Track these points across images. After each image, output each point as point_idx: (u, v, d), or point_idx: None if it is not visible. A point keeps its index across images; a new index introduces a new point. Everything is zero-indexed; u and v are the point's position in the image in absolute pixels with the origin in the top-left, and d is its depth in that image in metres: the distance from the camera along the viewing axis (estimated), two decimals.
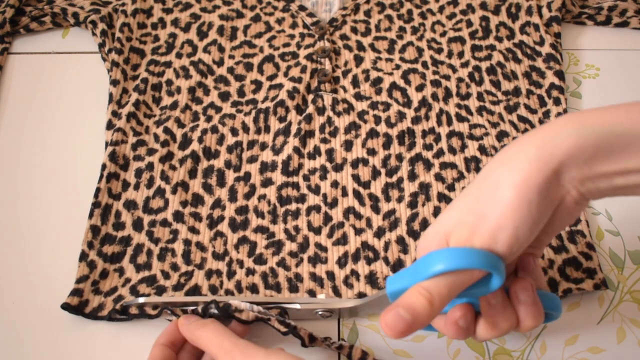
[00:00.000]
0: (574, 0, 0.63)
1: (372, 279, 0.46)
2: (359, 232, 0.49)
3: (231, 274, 0.47)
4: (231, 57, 0.59)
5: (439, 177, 0.51)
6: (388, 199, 0.50)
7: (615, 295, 0.47)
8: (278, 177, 0.51)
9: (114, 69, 0.56)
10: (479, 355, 0.44)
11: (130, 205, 0.49)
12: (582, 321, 0.46)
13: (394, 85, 0.57)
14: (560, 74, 0.57)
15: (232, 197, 0.50)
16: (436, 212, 0.49)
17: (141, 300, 0.43)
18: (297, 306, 0.43)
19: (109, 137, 0.53)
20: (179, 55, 0.59)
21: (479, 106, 0.56)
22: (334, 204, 0.50)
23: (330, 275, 0.47)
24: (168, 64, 0.58)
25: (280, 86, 0.56)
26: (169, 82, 0.57)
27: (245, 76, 0.58)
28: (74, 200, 0.51)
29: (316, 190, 0.51)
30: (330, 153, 0.53)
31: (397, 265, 0.47)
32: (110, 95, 0.55)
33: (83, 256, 0.47)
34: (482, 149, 0.53)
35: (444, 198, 0.50)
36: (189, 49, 0.59)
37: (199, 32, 0.60)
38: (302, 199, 0.50)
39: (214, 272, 0.47)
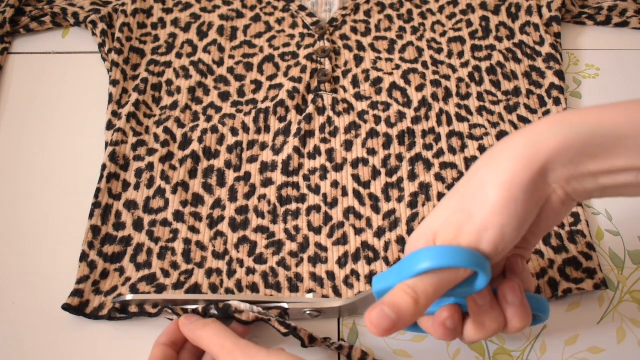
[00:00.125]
0: (574, 0, 0.63)
1: (372, 279, 0.46)
2: (359, 232, 0.49)
3: (231, 273, 0.47)
4: (231, 57, 0.59)
5: (439, 177, 0.51)
6: (388, 199, 0.50)
7: (615, 295, 0.47)
8: (278, 177, 0.51)
9: (113, 69, 0.56)
10: (479, 355, 0.44)
11: (131, 205, 0.49)
12: (582, 321, 0.46)
13: (394, 85, 0.57)
14: (560, 74, 0.57)
15: (232, 197, 0.50)
16: None
17: (129, 297, 0.43)
18: (285, 305, 0.42)
19: (109, 137, 0.53)
20: (179, 55, 0.59)
21: (479, 106, 0.56)
22: (334, 203, 0.50)
23: (331, 275, 0.47)
24: (168, 64, 0.58)
25: (280, 86, 0.56)
26: (169, 82, 0.57)
27: (245, 76, 0.58)
28: (74, 200, 0.51)
29: (316, 190, 0.51)
30: (330, 153, 0.53)
31: None
32: (110, 95, 0.55)
33: (83, 256, 0.47)
34: (482, 149, 0.53)
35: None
36: (189, 49, 0.59)
37: (199, 32, 0.60)
38: (302, 199, 0.50)
39: (214, 270, 0.47)
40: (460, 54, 0.60)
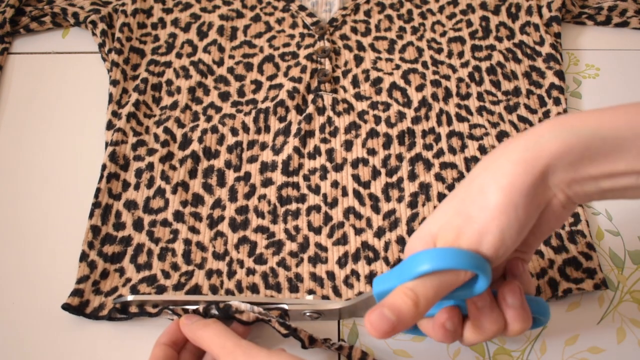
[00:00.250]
0: (574, 0, 0.63)
1: (372, 279, 0.46)
2: (359, 232, 0.49)
3: (231, 274, 0.47)
4: (231, 57, 0.59)
5: (439, 177, 0.51)
6: (388, 199, 0.50)
7: (615, 295, 0.47)
8: (278, 177, 0.51)
9: (113, 69, 0.56)
10: (479, 355, 0.44)
11: (131, 205, 0.49)
12: (582, 321, 0.46)
13: (394, 85, 0.57)
14: (560, 74, 0.57)
15: (232, 197, 0.50)
16: None
17: (130, 298, 0.43)
18: (285, 307, 0.42)
19: (109, 137, 0.53)
20: (179, 55, 0.59)
21: (479, 106, 0.56)
22: (334, 203, 0.50)
23: (331, 275, 0.47)
24: (168, 64, 0.58)
25: (280, 86, 0.56)
26: (169, 82, 0.57)
27: (245, 76, 0.58)
28: (74, 200, 0.51)
29: (316, 190, 0.51)
30: (330, 153, 0.53)
31: None
32: (110, 95, 0.55)
33: (83, 256, 0.47)
34: (482, 149, 0.53)
35: (444, 198, 0.50)
36: (189, 49, 0.59)
37: (199, 32, 0.60)
38: (302, 199, 0.50)
39: (214, 271, 0.47)
40: (460, 54, 0.60)
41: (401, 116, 0.55)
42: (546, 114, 0.55)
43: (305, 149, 0.53)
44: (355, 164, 0.52)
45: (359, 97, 0.56)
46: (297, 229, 0.49)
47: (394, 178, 0.51)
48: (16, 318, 0.45)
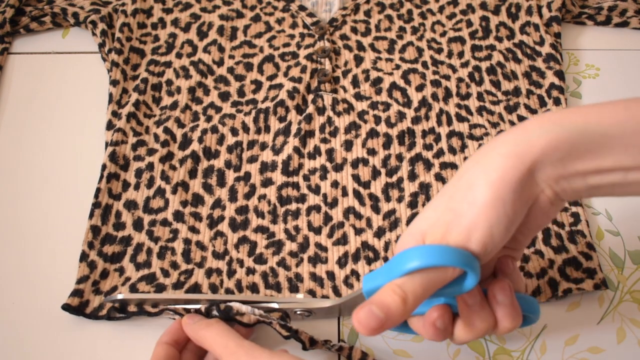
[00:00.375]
0: (574, 0, 0.63)
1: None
2: (359, 232, 0.49)
3: (231, 273, 0.47)
4: (231, 57, 0.59)
5: (439, 177, 0.51)
6: (388, 199, 0.50)
7: (615, 295, 0.47)
8: (278, 177, 0.51)
9: (113, 69, 0.56)
10: (479, 355, 0.44)
11: (131, 205, 0.49)
12: (582, 321, 0.46)
13: (394, 85, 0.57)
14: (560, 74, 0.57)
15: (232, 197, 0.50)
16: None
17: (120, 296, 0.42)
18: (275, 305, 0.42)
19: (109, 138, 0.53)
20: (179, 55, 0.59)
21: (479, 106, 0.56)
22: (334, 203, 0.50)
23: (331, 275, 0.47)
24: (168, 64, 0.58)
25: (280, 86, 0.56)
26: (169, 82, 0.57)
27: (245, 76, 0.58)
28: (74, 200, 0.51)
29: (316, 190, 0.51)
30: (330, 153, 0.53)
31: None
32: (110, 95, 0.55)
33: (83, 256, 0.47)
34: None
35: None
36: (189, 49, 0.59)
37: (199, 32, 0.60)
38: (302, 198, 0.50)
39: (214, 270, 0.47)
40: (460, 54, 0.60)
41: (401, 116, 0.55)
42: None
43: (305, 149, 0.53)
44: (355, 164, 0.52)
45: (359, 97, 0.56)
46: (297, 229, 0.49)
47: (394, 178, 0.51)
48: (16, 318, 0.45)
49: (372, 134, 0.54)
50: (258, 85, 0.57)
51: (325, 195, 0.50)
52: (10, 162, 0.53)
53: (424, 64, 0.59)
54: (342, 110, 0.55)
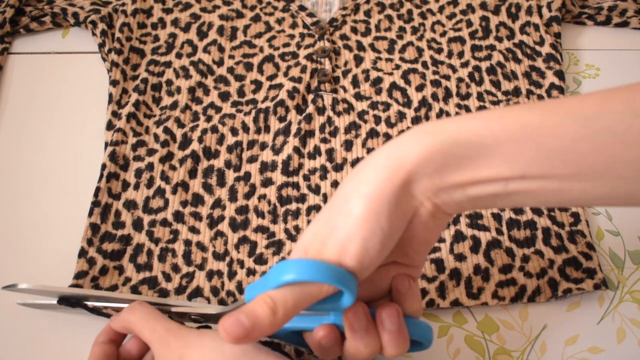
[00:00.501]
0: (574, 0, 0.63)
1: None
2: None
3: (232, 275, 0.47)
4: (231, 57, 0.59)
5: None
6: None
7: (615, 295, 0.47)
8: (278, 177, 0.51)
9: (113, 69, 0.56)
10: (479, 355, 0.44)
11: (130, 205, 0.49)
12: (582, 321, 0.46)
13: (394, 85, 0.57)
14: (560, 74, 0.57)
15: (232, 197, 0.50)
16: None
17: (23, 286, 0.41)
18: (172, 309, 0.41)
19: (109, 138, 0.53)
20: (179, 55, 0.58)
21: (479, 106, 0.56)
22: None
23: None
24: (168, 64, 0.58)
25: (280, 86, 0.56)
26: (169, 82, 0.57)
27: (245, 76, 0.58)
28: (74, 200, 0.51)
29: (316, 190, 0.51)
30: (330, 153, 0.53)
31: None
32: (110, 95, 0.55)
33: (82, 253, 0.47)
34: None
35: None
36: (189, 49, 0.59)
37: (199, 32, 0.60)
38: (302, 198, 0.50)
39: (215, 273, 0.47)
40: (460, 54, 0.60)
41: (401, 116, 0.55)
42: None
43: (305, 148, 0.53)
44: (355, 164, 0.52)
45: (359, 97, 0.56)
46: (297, 229, 0.49)
47: None
48: (17, 318, 0.45)
49: (372, 134, 0.54)
50: (258, 85, 0.57)
51: (325, 195, 0.50)
52: (10, 162, 0.53)
53: (424, 64, 0.59)
54: (342, 110, 0.55)
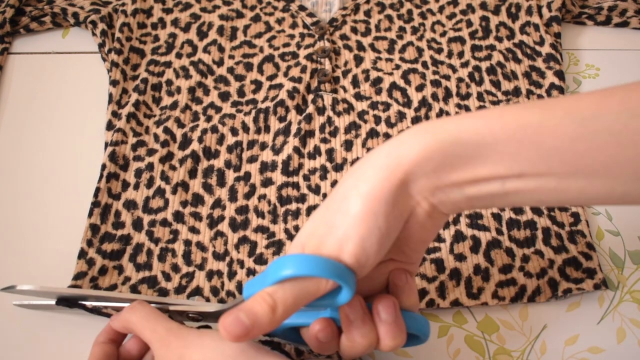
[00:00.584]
0: (574, 0, 0.63)
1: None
2: None
3: (232, 275, 0.47)
4: (231, 57, 0.59)
5: None
6: None
7: (615, 295, 0.47)
8: (278, 177, 0.51)
9: (113, 69, 0.56)
10: (479, 355, 0.44)
11: (130, 205, 0.49)
12: (582, 321, 0.46)
13: (394, 85, 0.57)
14: (560, 74, 0.57)
15: (232, 197, 0.50)
16: None
17: (25, 287, 0.41)
18: (169, 307, 0.41)
19: (109, 138, 0.53)
20: (179, 55, 0.58)
21: (479, 106, 0.56)
22: None
23: None
24: (168, 64, 0.58)
25: (280, 86, 0.56)
26: (169, 82, 0.57)
27: (245, 76, 0.58)
28: (74, 200, 0.51)
29: (316, 190, 0.51)
30: (330, 153, 0.53)
31: None
32: (110, 95, 0.55)
33: (82, 254, 0.47)
34: None
35: None
36: (189, 49, 0.59)
37: (199, 32, 0.60)
38: (302, 198, 0.50)
39: (214, 272, 0.47)
40: (460, 54, 0.60)
41: (401, 116, 0.55)
42: None
43: (305, 148, 0.53)
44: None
45: (359, 97, 0.56)
46: (297, 229, 0.49)
47: None
48: (15, 319, 0.45)
49: (372, 134, 0.54)
50: (258, 85, 0.57)
51: (325, 195, 0.50)
52: (10, 162, 0.53)
53: (424, 64, 0.59)
54: (342, 110, 0.55)
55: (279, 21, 0.62)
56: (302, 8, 0.62)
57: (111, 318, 0.41)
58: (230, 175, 0.51)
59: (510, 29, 0.61)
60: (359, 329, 0.34)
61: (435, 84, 0.57)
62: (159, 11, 0.62)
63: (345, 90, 0.57)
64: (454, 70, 0.58)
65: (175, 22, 0.61)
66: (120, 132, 0.52)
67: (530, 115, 0.30)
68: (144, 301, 0.40)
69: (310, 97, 0.56)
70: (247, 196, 0.50)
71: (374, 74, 0.58)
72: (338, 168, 0.52)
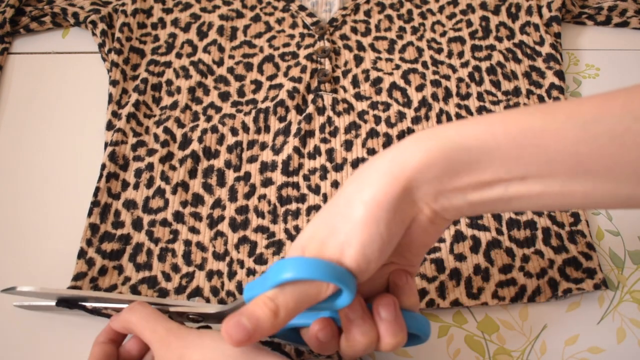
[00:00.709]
0: (574, 0, 0.63)
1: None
2: None
3: (232, 275, 0.47)
4: (231, 57, 0.59)
5: None
6: None
7: (615, 295, 0.47)
8: (278, 177, 0.51)
9: (113, 69, 0.56)
10: (479, 355, 0.44)
11: (130, 204, 0.49)
12: (582, 321, 0.46)
13: (394, 85, 0.57)
14: (560, 74, 0.57)
15: (232, 196, 0.50)
16: None
17: (25, 289, 0.41)
18: (169, 308, 0.41)
19: (108, 138, 0.53)
20: (179, 55, 0.58)
21: (479, 106, 0.56)
22: None
23: None
24: (168, 64, 0.58)
25: (280, 86, 0.56)
26: (169, 82, 0.57)
27: (245, 76, 0.58)
28: (74, 200, 0.51)
29: (316, 190, 0.51)
30: (330, 153, 0.53)
31: None
32: (110, 95, 0.55)
33: (81, 254, 0.47)
34: None
35: None
36: (189, 49, 0.59)
37: (199, 32, 0.60)
38: (302, 198, 0.50)
39: (214, 272, 0.47)
40: (460, 54, 0.60)
41: (401, 116, 0.55)
42: None
43: (305, 148, 0.53)
44: (355, 164, 0.52)
45: (359, 97, 0.56)
46: (297, 229, 0.49)
47: None
48: (14, 320, 0.45)
49: (372, 134, 0.54)
50: (258, 85, 0.57)
51: (325, 195, 0.50)
52: (10, 162, 0.53)
53: (424, 64, 0.59)
54: (342, 110, 0.55)
55: (279, 21, 0.62)
56: (302, 8, 0.62)
57: (111, 318, 0.41)
58: (230, 175, 0.51)
59: (510, 29, 0.61)
60: (359, 328, 0.34)
61: (435, 84, 0.57)
62: (159, 11, 0.62)
63: (345, 90, 0.57)
64: (454, 70, 0.58)
65: (175, 22, 0.61)
66: (120, 132, 0.52)
67: (532, 119, 0.30)
68: (144, 302, 0.40)
69: (310, 97, 0.56)
70: (247, 196, 0.50)
71: (374, 74, 0.58)
72: (338, 168, 0.52)
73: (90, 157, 0.53)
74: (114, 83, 0.56)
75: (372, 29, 0.62)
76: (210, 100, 0.56)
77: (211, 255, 0.48)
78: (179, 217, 0.49)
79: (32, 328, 0.45)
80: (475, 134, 0.31)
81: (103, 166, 0.51)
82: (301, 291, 0.32)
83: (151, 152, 0.52)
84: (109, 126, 0.54)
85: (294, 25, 0.61)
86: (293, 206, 0.50)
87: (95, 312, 0.43)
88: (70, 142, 0.55)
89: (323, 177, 0.51)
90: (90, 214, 0.48)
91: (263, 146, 0.53)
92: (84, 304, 0.43)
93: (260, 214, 0.49)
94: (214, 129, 0.53)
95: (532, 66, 0.59)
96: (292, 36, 0.60)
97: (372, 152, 0.53)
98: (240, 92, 0.57)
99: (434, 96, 0.56)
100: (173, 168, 0.51)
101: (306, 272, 0.31)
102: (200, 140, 0.53)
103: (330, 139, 0.53)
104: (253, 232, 0.49)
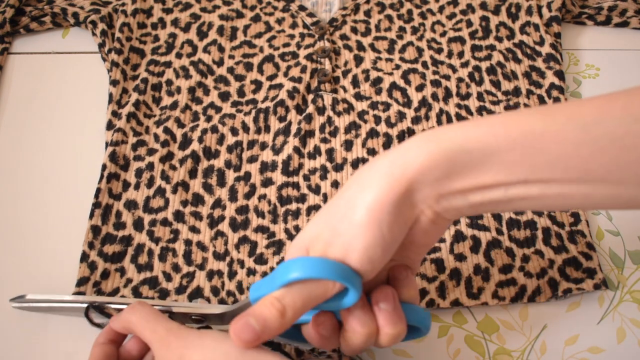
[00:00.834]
0: (574, 0, 0.63)
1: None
2: None
3: (232, 275, 0.47)
4: (231, 57, 0.59)
5: None
6: None
7: (615, 295, 0.47)
8: (278, 176, 0.51)
9: (113, 69, 0.56)
10: (479, 355, 0.44)
11: (131, 205, 0.49)
12: (582, 321, 0.46)
13: (394, 85, 0.57)
14: (560, 74, 0.57)
15: (233, 196, 0.50)
16: None
17: (30, 296, 0.41)
18: (172, 309, 0.41)
19: (109, 138, 0.53)
20: (179, 55, 0.58)
21: (479, 106, 0.56)
22: None
23: None
24: (168, 64, 0.58)
25: (280, 86, 0.56)
26: (169, 82, 0.57)
27: (245, 76, 0.58)
28: (74, 200, 0.51)
29: (316, 190, 0.51)
30: (330, 153, 0.53)
31: None
32: (110, 95, 0.55)
33: (84, 257, 0.47)
34: None
35: None
36: (189, 49, 0.59)
37: (199, 32, 0.60)
38: (302, 198, 0.50)
39: (215, 272, 0.47)
40: (460, 54, 0.60)
41: (401, 116, 0.55)
42: None
43: (305, 148, 0.53)
44: (355, 163, 0.52)
45: (359, 97, 0.56)
46: (297, 228, 0.49)
47: None
48: (13, 320, 0.45)
49: (372, 133, 0.54)
50: (258, 85, 0.57)
51: (325, 195, 0.50)
52: (10, 162, 0.53)
53: (424, 64, 0.59)
54: (342, 110, 0.55)
55: (279, 21, 0.62)
56: (302, 8, 0.62)
57: (111, 319, 0.41)
58: (231, 175, 0.51)
59: (510, 29, 0.61)
60: (358, 319, 0.34)
61: (435, 84, 0.57)
62: (159, 11, 0.62)
63: (345, 90, 0.57)
64: (454, 70, 0.58)
65: (175, 22, 0.61)
66: (120, 132, 0.52)
67: (533, 121, 0.30)
68: (145, 302, 0.40)
69: (310, 97, 0.56)
70: (247, 196, 0.50)
71: (374, 74, 0.58)
72: (338, 168, 0.52)
73: (90, 157, 0.53)
74: (114, 83, 0.56)
75: (372, 29, 0.62)
76: (210, 100, 0.56)
77: (211, 255, 0.48)
78: (179, 216, 0.49)
79: (31, 328, 0.45)
80: (477, 136, 0.31)
81: (104, 167, 0.51)
82: (308, 291, 0.32)
83: (151, 151, 0.52)
84: (109, 126, 0.54)
85: (294, 25, 0.61)
86: (293, 206, 0.50)
87: (98, 309, 0.43)
88: (70, 142, 0.55)
89: (323, 177, 0.51)
90: (91, 215, 0.48)
91: (263, 146, 0.53)
92: (105, 308, 0.43)
93: (260, 214, 0.49)
94: (214, 129, 0.53)
95: (532, 66, 0.59)
96: (292, 36, 0.60)
97: (372, 152, 0.53)
98: (240, 92, 0.57)
99: (434, 96, 0.56)
100: (173, 168, 0.51)
101: (313, 271, 0.31)
102: (201, 140, 0.53)
103: (330, 139, 0.53)
104: (253, 232, 0.49)
